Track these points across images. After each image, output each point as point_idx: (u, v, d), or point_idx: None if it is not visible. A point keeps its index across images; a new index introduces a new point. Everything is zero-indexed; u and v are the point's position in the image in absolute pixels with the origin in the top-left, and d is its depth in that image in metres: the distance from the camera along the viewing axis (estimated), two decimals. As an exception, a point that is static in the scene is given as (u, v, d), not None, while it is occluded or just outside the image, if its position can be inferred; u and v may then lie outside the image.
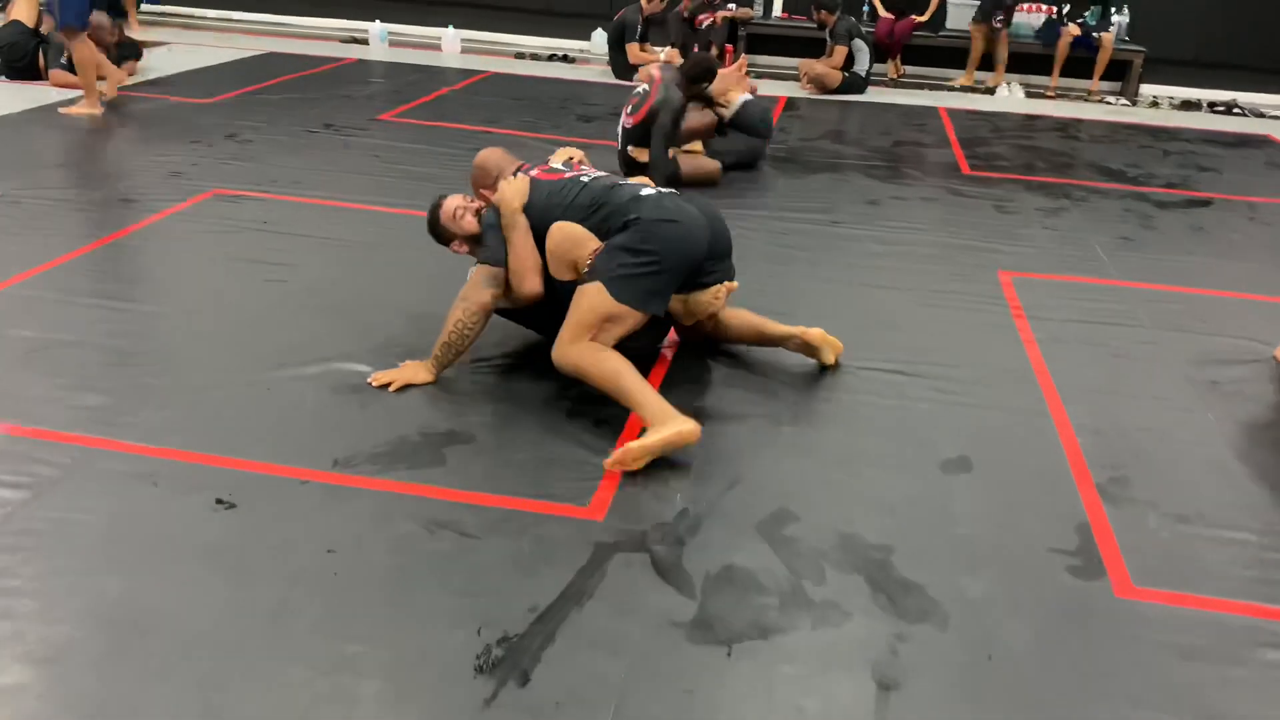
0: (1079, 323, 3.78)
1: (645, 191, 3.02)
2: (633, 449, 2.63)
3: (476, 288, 3.00)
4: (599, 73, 8.53)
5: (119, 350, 3.17)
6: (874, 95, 8.11)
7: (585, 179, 3.09)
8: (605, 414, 2.95)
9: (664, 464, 2.72)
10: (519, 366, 3.21)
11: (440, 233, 3.27)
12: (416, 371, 3.05)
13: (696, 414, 2.96)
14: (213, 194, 4.73)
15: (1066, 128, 7.35)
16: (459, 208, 3.19)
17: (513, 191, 3.02)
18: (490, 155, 3.33)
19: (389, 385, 3.01)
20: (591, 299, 2.84)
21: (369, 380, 3.03)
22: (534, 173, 3.13)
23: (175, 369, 3.08)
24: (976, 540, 2.47)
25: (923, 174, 5.81)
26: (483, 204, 3.17)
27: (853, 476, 2.72)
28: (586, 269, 2.92)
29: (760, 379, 3.22)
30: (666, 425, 2.66)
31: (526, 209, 3.00)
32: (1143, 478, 2.78)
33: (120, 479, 2.53)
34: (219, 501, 2.46)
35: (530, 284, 2.96)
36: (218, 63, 7.90)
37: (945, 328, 3.69)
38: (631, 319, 2.87)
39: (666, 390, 3.05)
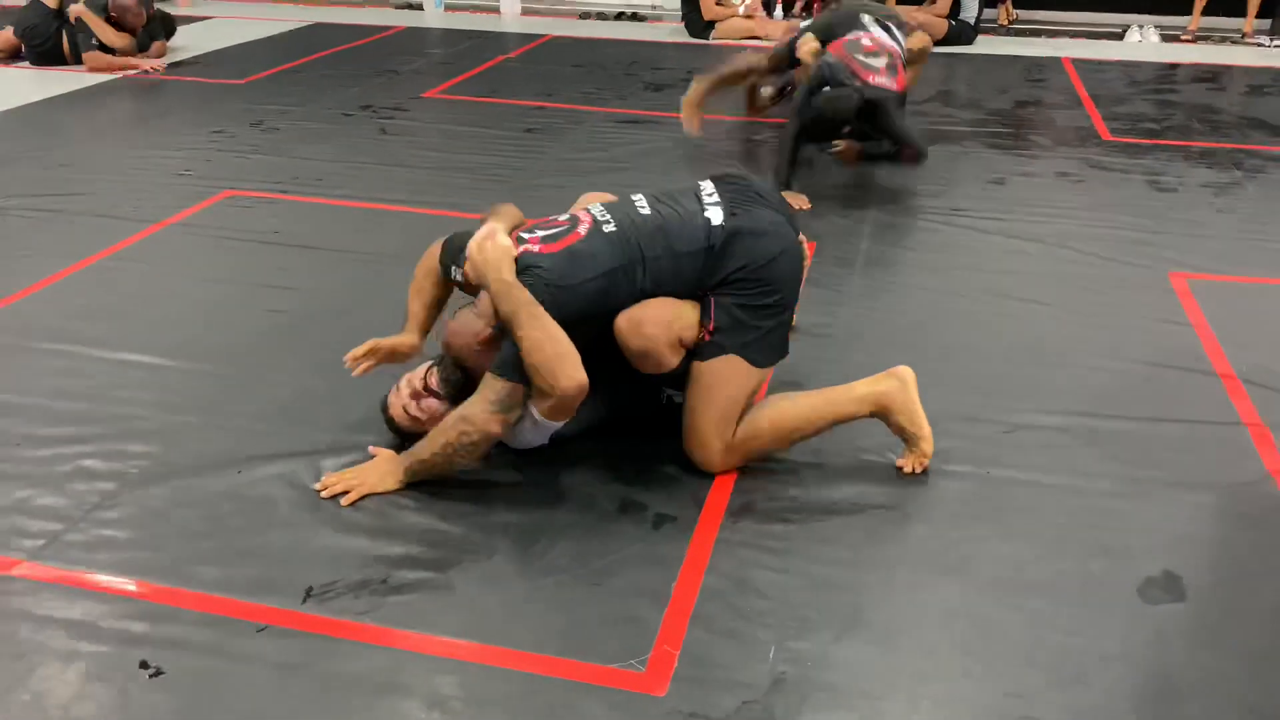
0: (1291, 348, 2.90)
1: (715, 217, 2.23)
2: (925, 452, 2.31)
3: (484, 408, 2.14)
4: (670, 31, 7.68)
5: (66, 418, 2.54)
6: (984, 46, 7.11)
7: (608, 227, 2.23)
8: (672, 504, 2.22)
9: (750, 590, 1.98)
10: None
11: (410, 434, 2.34)
12: (383, 475, 2.25)
13: (782, 505, 2.23)
14: (224, 195, 4.10)
15: (1217, 77, 6.29)
16: (408, 402, 2.32)
17: (497, 257, 2.13)
18: (457, 331, 2.33)
19: (344, 494, 2.22)
20: (733, 381, 2.24)
21: (316, 487, 2.25)
22: (530, 248, 2.20)
23: (129, 445, 2.43)
24: (1211, 729, 1.68)
25: (1054, 142, 4.88)
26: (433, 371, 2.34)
27: (1016, 610, 1.94)
28: (707, 341, 2.23)
29: (867, 442, 2.42)
30: (895, 415, 2.29)
31: (551, 299, 2.12)
32: None
33: (26, 624, 1.89)
34: (143, 666, 1.81)
35: (569, 376, 2.08)
36: (257, 37, 7.27)
37: (1116, 360, 2.84)
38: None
39: (742, 482, 2.31)
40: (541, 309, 2.10)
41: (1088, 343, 2.94)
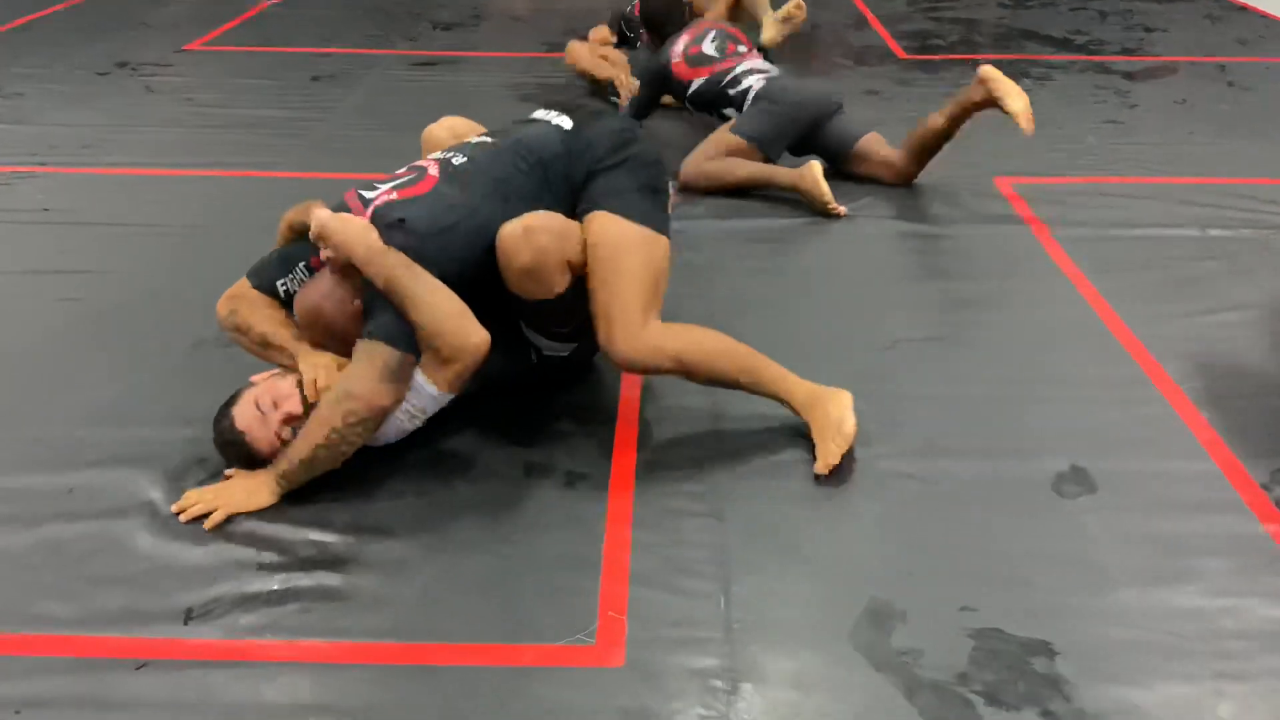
0: (1120, 242, 3.05)
1: (564, 123, 2.17)
2: (835, 450, 2.02)
3: (369, 380, 1.87)
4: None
5: None
6: (764, -27, 7.16)
7: (458, 159, 2.09)
8: (580, 461, 2.08)
9: (683, 540, 1.87)
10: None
11: (251, 454, 1.97)
12: (252, 491, 1.91)
13: (693, 447, 2.14)
14: (-30, 174, 3.54)
15: (983, -7, 6.59)
16: (280, 428, 1.93)
17: (359, 226, 1.92)
18: (310, 298, 2.01)
19: (206, 516, 1.88)
20: (625, 240, 2.03)
21: (173, 509, 1.90)
22: (387, 197, 2.02)
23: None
24: (1141, 611, 1.72)
25: (855, 63, 4.97)
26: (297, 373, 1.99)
27: (945, 521, 1.93)
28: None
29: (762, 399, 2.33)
30: (827, 403, 2.08)
31: (427, 251, 1.93)
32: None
33: None
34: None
35: (476, 333, 1.88)
36: (-29, -7, 6.36)
37: (971, 270, 2.90)
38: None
39: (646, 431, 2.20)
40: (420, 268, 1.89)
41: (940, 253, 3.00)
